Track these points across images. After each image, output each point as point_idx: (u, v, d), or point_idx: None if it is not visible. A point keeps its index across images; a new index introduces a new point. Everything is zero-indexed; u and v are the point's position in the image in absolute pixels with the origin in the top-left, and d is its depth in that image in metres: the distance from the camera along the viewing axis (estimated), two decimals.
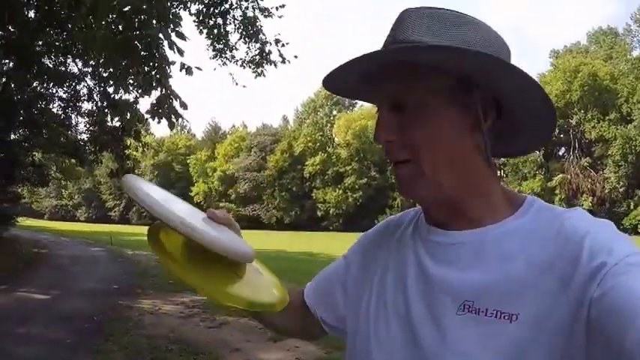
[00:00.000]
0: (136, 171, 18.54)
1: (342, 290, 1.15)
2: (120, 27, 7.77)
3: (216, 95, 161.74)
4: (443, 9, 0.90)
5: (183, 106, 7.43)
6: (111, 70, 9.71)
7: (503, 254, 0.86)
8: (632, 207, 52.66)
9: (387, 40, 0.92)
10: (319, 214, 70.38)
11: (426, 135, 0.88)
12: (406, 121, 0.89)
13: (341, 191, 68.70)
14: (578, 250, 0.78)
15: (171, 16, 7.73)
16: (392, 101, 0.91)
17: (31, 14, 10.85)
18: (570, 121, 56.08)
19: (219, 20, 11.34)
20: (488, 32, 0.90)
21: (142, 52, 7.76)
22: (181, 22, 7.70)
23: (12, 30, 10.93)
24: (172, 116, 7.43)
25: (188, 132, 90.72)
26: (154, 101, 7.49)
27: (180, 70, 7.50)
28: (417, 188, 0.92)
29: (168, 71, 7.64)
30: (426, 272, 0.93)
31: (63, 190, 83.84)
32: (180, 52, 7.24)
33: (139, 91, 9.02)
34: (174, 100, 7.51)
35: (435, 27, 0.87)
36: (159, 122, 7.55)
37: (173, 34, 7.29)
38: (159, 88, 7.62)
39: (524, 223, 0.88)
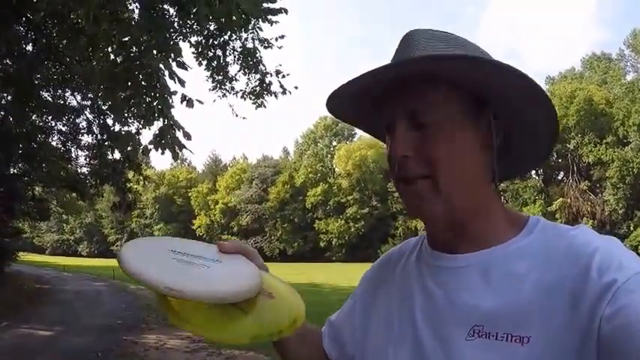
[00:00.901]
0: (137, 204, 18.53)
1: (350, 329, 1.13)
2: (119, 58, 7.79)
3: (216, 127, 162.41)
4: (444, 32, 0.92)
5: (187, 136, 7.40)
6: (110, 102, 9.75)
7: (510, 276, 0.84)
8: (632, 228, 52.73)
9: (397, 58, 0.91)
10: (322, 244, 70.24)
11: (446, 150, 0.87)
12: (426, 136, 0.87)
13: (343, 221, 68.68)
14: (587, 266, 0.77)
15: (171, 46, 7.77)
16: (411, 115, 0.88)
17: (29, 47, 10.93)
18: (568, 145, 56.59)
19: (219, 52, 11.37)
20: (483, 54, 0.91)
21: (143, 83, 7.79)
22: (181, 53, 7.73)
23: (10, 63, 11.01)
24: (176, 147, 7.41)
25: (189, 165, 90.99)
26: (157, 132, 7.49)
27: (182, 103, 7.50)
28: (429, 205, 0.88)
29: (170, 102, 7.65)
30: (433, 299, 0.92)
31: (64, 225, 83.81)
32: (182, 83, 7.27)
33: (141, 122, 9.02)
34: (176, 131, 7.50)
35: (442, 47, 0.88)
36: (162, 153, 7.52)
37: (174, 64, 7.33)
38: (161, 119, 7.62)
39: (530, 242, 0.87)
